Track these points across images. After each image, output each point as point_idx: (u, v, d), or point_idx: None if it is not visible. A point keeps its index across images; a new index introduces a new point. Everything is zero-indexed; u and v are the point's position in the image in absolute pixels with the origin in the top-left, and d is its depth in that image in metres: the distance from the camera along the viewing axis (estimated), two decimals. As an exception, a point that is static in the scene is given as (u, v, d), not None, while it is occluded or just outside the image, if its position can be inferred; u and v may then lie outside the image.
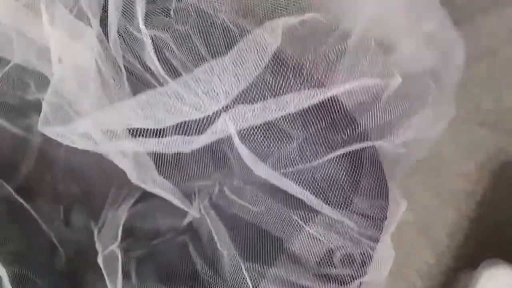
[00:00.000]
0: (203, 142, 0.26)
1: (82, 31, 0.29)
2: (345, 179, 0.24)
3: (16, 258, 0.32)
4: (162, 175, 0.30)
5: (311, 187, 0.24)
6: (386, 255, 0.26)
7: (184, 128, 0.27)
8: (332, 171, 0.24)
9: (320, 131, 0.24)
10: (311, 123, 0.24)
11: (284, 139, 0.25)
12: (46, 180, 0.38)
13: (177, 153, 0.31)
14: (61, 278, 0.34)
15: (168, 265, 0.29)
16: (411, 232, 0.42)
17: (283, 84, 0.23)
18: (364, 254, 0.25)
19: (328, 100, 0.23)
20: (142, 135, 0.28)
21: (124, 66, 0.30)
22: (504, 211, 0.42)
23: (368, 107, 0.24)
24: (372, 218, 0.25)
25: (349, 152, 0.24)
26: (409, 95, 0.27)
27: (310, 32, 0.26)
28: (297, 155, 0.24)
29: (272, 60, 0.23)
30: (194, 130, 0.25)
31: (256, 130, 0.25)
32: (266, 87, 0.24)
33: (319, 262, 0.25)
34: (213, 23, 0.24)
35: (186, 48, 0.25)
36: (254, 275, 0.26)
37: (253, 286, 0.26)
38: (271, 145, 0.25)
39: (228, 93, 0.24)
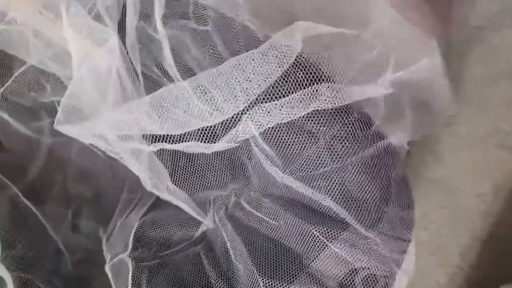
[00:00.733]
0: (222, 147, 0.25)
1: (103, 35, 0.29)
2: (377, 188, 0.23)
3: (21, 262, 0.32)
4: (177, 183, 0.29)
5: (340, 196, 0.24)
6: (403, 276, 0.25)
7: (203, 131, 0.26)
8: (363, 178, 0.23)
9: (348, 126, 0.23)
10: (337, 120, 0.23)
11: (309, 139, 0.24)
12: (55, 183, 0.37)
13: (193, 161, 0.30)
14: (67, 285, 0.33)
15: (181, 277, 0.28)
16: (424, 251, 0.42)
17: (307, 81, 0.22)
18: (388, 275, 0.24)
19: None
20: (159, 140, 0.27)
21: (141, 71, 0.29)
22: (518, 233, 0.42)
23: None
24: (399, 237, 0.24)
25: (380, 158, 0.23)
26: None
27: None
28: (326, 154, 0.24)
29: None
30: (212, 134, 0.25)
31: (279, 131, 0.24)
32: (288, 85, 0.23)
33: (341, 283, 0.24)
34: (234, 24, 0.24)
35: (206, 49, 0.25)
36: (272, 292, 0.25)
37: (271, 304, 0.25)
38: (296, 146, 0.24)
39: (249, 94, 0.23)
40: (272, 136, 0.25)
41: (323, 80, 0.22)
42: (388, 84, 0.23)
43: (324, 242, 0.24)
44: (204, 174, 0.29)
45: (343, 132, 0.23)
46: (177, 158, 0.29)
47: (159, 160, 0.29)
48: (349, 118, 0.23)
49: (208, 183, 0.29)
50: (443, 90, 0.28)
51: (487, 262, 0.42)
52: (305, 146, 0.24)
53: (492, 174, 0.42)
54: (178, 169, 0.30)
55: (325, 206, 0.25)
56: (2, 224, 0.33)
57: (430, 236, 0.42)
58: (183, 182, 0.29)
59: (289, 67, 0.22)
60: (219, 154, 0.29)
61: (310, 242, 0.25)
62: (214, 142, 0.25)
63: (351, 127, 0.23)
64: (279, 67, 0.21)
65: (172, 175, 0.29)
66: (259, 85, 0.23)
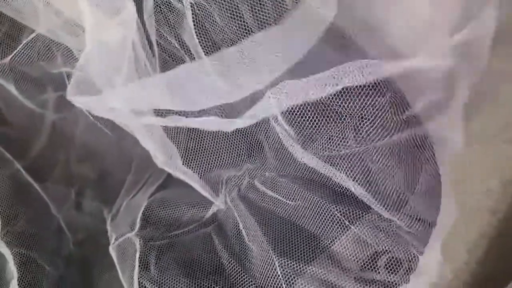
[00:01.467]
0: (243, 124, 0.24)
1: (119, 5, 0.28)
2: (402, 174, 0.22)
3: (22, 239, 0.30)
4: (190, 161, 0.28)
5: (362, 179, 0.22)
6: (433, 263, 0.24)
7: (222, 108, 0.25)
8: (389, 163, 0.22)
9: (378, 110, 0.22)
10: (368, 100, 0.22)
11: (334, 118, 0.23)
12: (59, 160, 0.36)
13: (208, 139, 0.29)
14: (68, 265, 0.32)
15: (191, 258, 0.27)
16: (431, 246, 0.41)
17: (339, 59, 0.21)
18: (412, 259, 0.23)
19: (385, 79, 0.21)
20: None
21: (157, 42, 0.28)
22: (525, 230, 0.41)
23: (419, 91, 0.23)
24: (424, 221, 0.23)
25: (408, 145, 0.22)
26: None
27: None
28: (351, 136, 0.22)
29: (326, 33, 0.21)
30: (233, 109, 0.24)
31: (303, 109, 0.23)
32: (318, 61, 0.22)
33: (363, 266, 0.23)
34: None
35: (231, 19, 0.23)
36: (289, 273, 0.24)
37: (286, 284, 0.24)
38: (319, 125, 0.23)
39: (273, 70, 0.22)
40: (295, 114, 0.23)
41: (355, 51, 0.21)
42: (446, 52, 0.20)
43: (346, 224, 0.24)
44: (219, 153, 0.28)
45: (372, 114, 0.22)
46: (190, 136, 0.28)
47: (172, 138, 0.28)
48: (381, 99, 0.22)
49: (223, 162, 0.28)
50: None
51: (495, 258, 0.41)
52: (329, 126, 0.23)
53: (501, 171, 0.41)
54: (191, 147, 0.29)
55: (346, 187, 0.24)
56: (3, 199, 0.31)
57: (438, 231, 0.41)
58: (196, 160, 0.28)
59: (321, 41, 0.21)
60: (236, 132, 0.28)
61: (330, 223, 0.24)
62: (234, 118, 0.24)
63: (382, 110, 0.22)
64: (312, 37, 0.20)
65: (185, 153, 0.28)
66: (287, 58, 0.22)
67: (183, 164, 0.29)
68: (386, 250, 0.23)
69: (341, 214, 0.24)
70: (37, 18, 0.31)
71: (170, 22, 0.27)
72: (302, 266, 0.24)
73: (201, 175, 0.29)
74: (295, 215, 0.26)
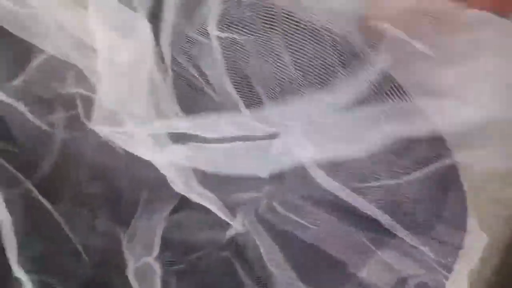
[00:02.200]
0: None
1: (133, 24, 0.27)
2: (429, 201, 0.22)
3: (39, 264, 0.30)
4: (210, 185, 0.27)
5: (389, 208, 0.22)
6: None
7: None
8: (416, 191, 0.22)
9: (413, 143, 0.21)
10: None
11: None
12: (69, 180, 0.35)
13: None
14: (85, 288, 0.31)
15: (212, 283, 0.27)
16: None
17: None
18: (439, 285, 0.23)
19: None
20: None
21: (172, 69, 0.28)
22: (539, 240, 0.41)
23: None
24: (451, 246, 0.23)
25: (435, 172, 0.22)
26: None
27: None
28: (382, 169, 0.22)
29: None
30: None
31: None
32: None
33: (391, 291, 0.23)
34: (301, 26, 0.22)
35: (269, 56, 0.23)
36: (316, 301, 0.24)
37: (314, 313, 0.23)
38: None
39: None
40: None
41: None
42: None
43: (372, 249, 0.23)
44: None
45: (405, 148, 0.22)
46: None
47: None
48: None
49: (244, 185, 0.28)
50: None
51: (509, 268, 0.41)
52: (359, 157, 0.22)
53: (517, 179, 0.41)
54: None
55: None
56: (17, 219, 0.31)
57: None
58: (217, 184, 0.27)
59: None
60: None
61: (357, 249, 0.24)
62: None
63: (417, 143, 0.22)
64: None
65: (203, 176, 0.28)
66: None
67: (200, 186, 0.28)
68: (413, 275, 0.23)
69: (367, 240, 0.23)
70: (48, 38, 0.31)
71: (188, 52, 0.27)
72: (330, 294, 0.24)
73: (220, 197, 0.28)
74: (318, 240, 0.26)
